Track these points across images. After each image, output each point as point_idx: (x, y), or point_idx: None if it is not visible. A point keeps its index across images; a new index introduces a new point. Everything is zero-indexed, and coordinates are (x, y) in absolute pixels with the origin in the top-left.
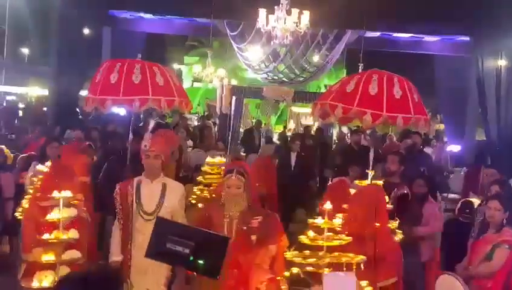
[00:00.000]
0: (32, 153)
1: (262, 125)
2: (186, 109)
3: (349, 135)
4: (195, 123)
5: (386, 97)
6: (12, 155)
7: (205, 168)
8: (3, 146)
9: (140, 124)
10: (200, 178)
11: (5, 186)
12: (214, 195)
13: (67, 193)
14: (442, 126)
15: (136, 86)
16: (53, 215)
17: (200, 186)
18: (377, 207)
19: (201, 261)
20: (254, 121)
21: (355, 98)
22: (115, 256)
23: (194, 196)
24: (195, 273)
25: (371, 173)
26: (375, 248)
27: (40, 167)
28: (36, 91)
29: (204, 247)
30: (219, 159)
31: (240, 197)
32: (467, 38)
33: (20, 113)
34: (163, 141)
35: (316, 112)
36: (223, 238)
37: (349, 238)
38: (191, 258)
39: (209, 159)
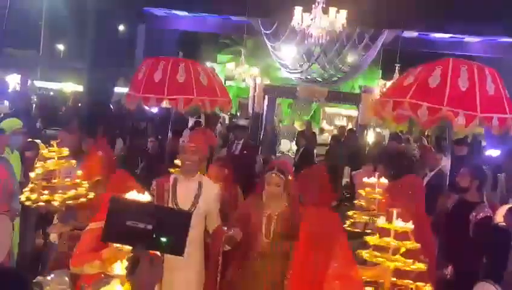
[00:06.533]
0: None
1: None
2: (227, 109)
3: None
4: (227, 122)
5: (479, 94)
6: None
7: (362, 191)
8: (38, 140)
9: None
10: (357, 201)
11: None
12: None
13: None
14: (482, 130)
15: (181, 85)
16: None
17: (357, 211)
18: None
19: (164, 239)
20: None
21: (444, 95)
22: None
23: (351, 220)
24: (158, 252)
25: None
26: None
27: None
28: (70, 87)
29: (167, 223)
30: (376, 180)
31: (279, 195)
32: (510, 40)
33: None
34: (202, 138)
35: (385, 112)
36: (185, 214)
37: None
38: (154, 235)
39: (366, 180)
